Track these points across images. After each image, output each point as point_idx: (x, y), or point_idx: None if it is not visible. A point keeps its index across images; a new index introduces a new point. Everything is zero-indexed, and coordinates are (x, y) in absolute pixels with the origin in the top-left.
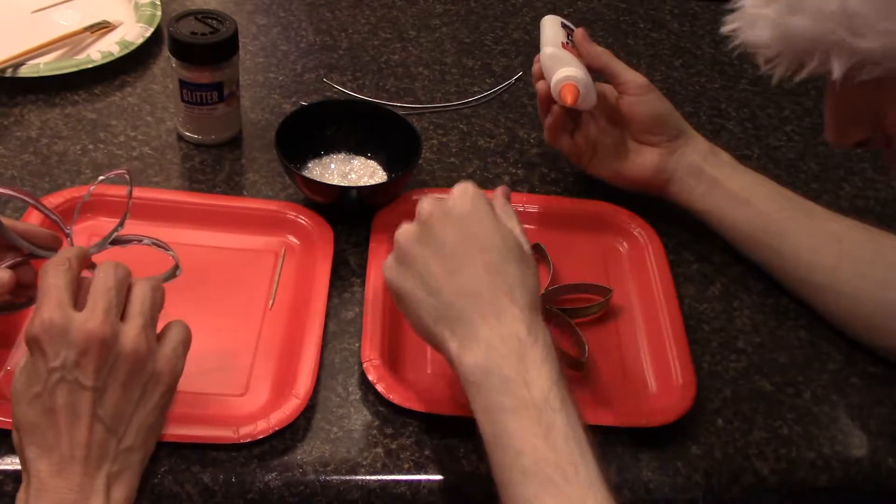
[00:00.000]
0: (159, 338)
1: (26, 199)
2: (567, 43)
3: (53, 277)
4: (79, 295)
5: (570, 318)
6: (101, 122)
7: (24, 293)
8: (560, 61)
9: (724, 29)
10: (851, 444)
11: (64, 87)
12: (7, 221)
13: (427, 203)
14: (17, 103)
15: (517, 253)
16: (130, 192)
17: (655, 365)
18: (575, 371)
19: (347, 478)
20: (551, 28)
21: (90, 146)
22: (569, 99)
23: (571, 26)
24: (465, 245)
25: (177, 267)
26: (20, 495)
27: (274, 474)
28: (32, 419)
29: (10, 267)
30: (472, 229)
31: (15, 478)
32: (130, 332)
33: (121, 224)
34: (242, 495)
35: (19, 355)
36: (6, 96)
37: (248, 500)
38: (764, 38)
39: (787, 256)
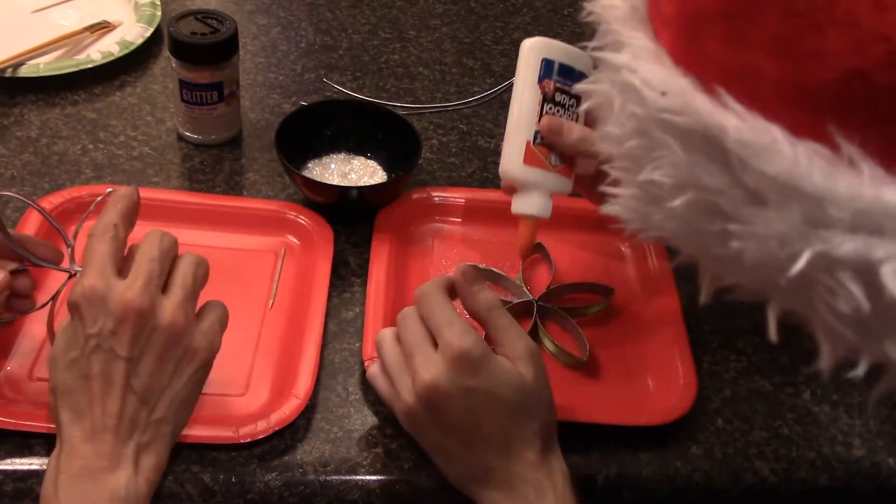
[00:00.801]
0: (198, 314)
1: (27, 200)
2: (540, 114)
3: (99, 243)
4: (123, 262)
5: (572, 317)
6: (101, 122)
7: (15, 304)
8: (523, 182)
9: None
10: (851, 444)
11: (64, 87)
12: (11, 232)
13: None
14: (17, 103)
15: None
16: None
17: (656, 365)
18: (576, 370)
19: (347, 478)
20: (529, 96)
21: (90, 146)
22: (525, 239)
23: (560, 74)
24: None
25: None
26: (52, 459)
27: (274, 474)
28: (69, 383)
29: (9, 273)
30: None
31: (15, 478)
32: (169, 305)
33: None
34: (242, 495)
35: (16, 360)
36: (6, 96)
37: (248, 500)
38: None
39: None
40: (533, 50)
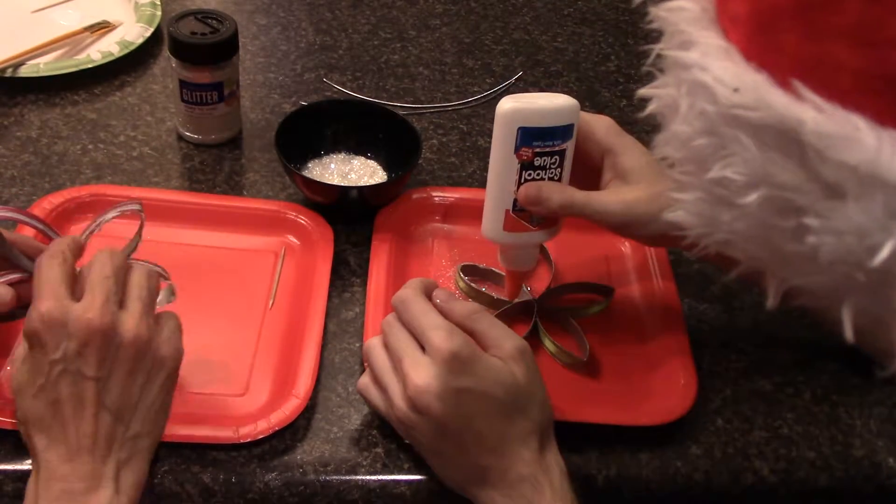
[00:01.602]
0: (156, 324)
1: (20, 217)
2: (518, 182)
3: (48, 269)
4: (75, 285)
5: (572, 317)
6: (101, 122)
7: (20, 313)
8: (505, 245)
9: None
10: (851, 444)
11: (64, 87)
12: (9, 236)
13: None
14: (17, 103)
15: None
16: (142, 227)
17: (656, 365)
18: (576, 370)
19: (347, 478)
20: (505, 166)
21: (90, 146)
22: (514, 287)
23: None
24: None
25: (171, 293)
26: (30, 485)
27: (274, 474)
28: (38, 411)
29: (12, 284)
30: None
31: (15, 477)
32: (130, 320)
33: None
34: (242, 495)
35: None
36: (6, 96)
37: (248, 500)
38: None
39: None
40: (508, 119)
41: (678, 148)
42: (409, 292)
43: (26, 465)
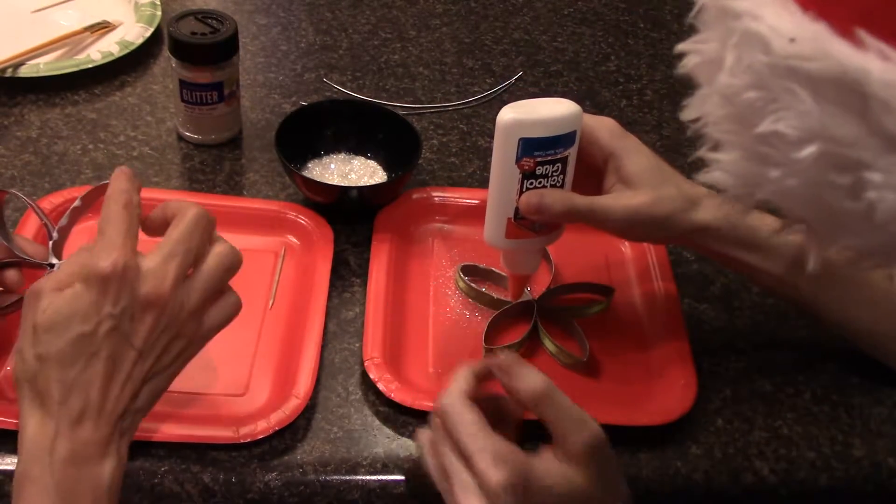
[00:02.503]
0: (209, 306)
1: (31, 203)
2: (520, 191)
3: (128, 219)
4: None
5: (572, 317)
6: (101, 122)
7: (5, 299)
8: (507, 251)
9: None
10: (851, 444)
11: (64, 87)
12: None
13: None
14: (17, 103)
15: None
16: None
17: (656, 365)
18: (576, 370)
19: (347, 478)
20: (507, 176)
21: (90, 146)
22: (517, 289)
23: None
24: None
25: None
26: (34, 437)
27: (274, 474)
28: (70, 357)
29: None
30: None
31: None
32: (188, 307)
33: None
34: (242, 495)
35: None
36: (6, 96)
37: (248, 500)
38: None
39: None
40: (508, 130)
41: (719, 105)
42: (454, 399)
43: None
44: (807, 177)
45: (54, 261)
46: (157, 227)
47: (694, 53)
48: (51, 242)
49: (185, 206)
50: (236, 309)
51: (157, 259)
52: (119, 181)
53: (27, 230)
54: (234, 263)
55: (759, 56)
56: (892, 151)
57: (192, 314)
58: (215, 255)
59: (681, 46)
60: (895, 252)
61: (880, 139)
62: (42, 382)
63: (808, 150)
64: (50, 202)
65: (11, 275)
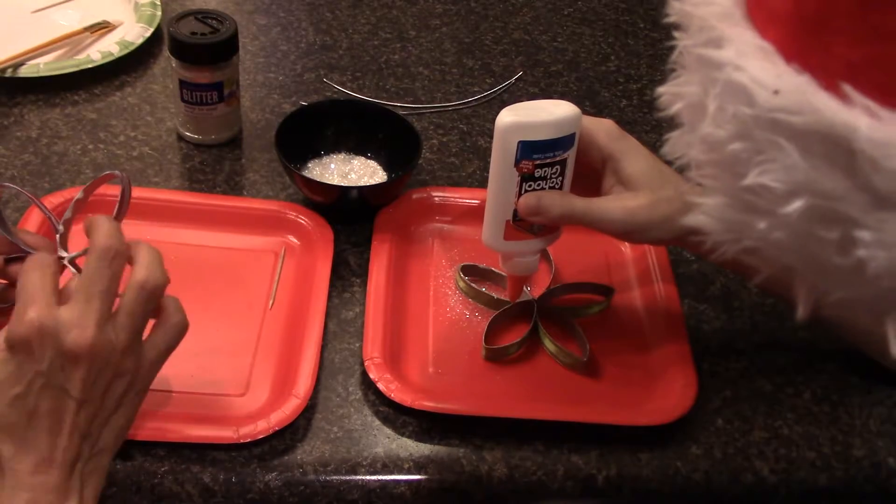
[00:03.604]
0: (147, 338)
1: (33, 199)
2: (519, 194)
3: (40, 277)
4: (61, 289)
5: (572, 317)
6: (101, 122)
7: (12, 293)
8: (506, 253)
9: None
10: (851, 444)
11: (64, 87)
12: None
13: None
14: (17, 103)
15: None
16: (126, 196)
17: (656, 365)
18: (576, 370)
19: (347, 478)
20: (505, 179)
21: (90, 146)
22: (515, 290)
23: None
24: None
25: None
26: None
27: (274, 474)
28: (11, 419)
29: (10, 260)
30: None
31: None
32: (118, 346)
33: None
34: (242, 495)
35: None
36: (6, 96)
37: (248, 500)
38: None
39: None
40: (507, 132)
41: (704, 151)
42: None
43: None
44: (794, 230)
45: (64, 253)
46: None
47: (675, 97)
48: (58, 236)
49: (94, 232)
50: (179, 331)
51: (75, 307)
52: (38, 254)
53: (29, 228)
54: (155, 287)
55: (743, 108)
56: (881, 208)
57: (126, 351)
58: (132, 285)
59: (661, 89)
60: (886, 304)
61: (869, 195)
62: None
63: (795, 205)
64: (50, 202)
65: (17, 269)
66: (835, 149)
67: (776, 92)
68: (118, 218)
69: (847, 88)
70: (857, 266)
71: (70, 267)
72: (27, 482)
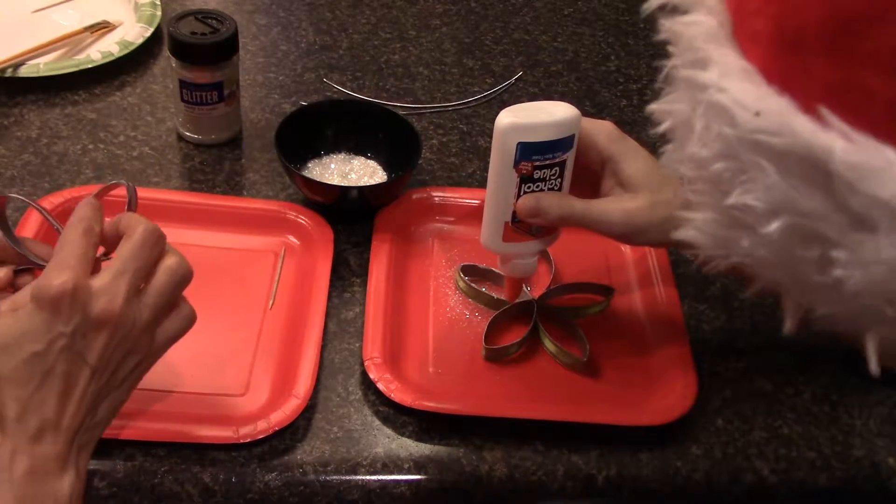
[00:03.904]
0: (162, 318)
1: (33, 204)
2: (517, 195)
3: (83, 242)
4: (98, 249)
5: (572, 317)
6: (101, 122)
7: None
8: (505, 254)
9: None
10: (851, 444)
11: (64, 87)
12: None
13: None
14: (17, 103)
15: None
16: (131, 204)
17: (656, 365)
18: (576, 370)
19: (347, 478)
20: (504, 180)
21: (90, 146)
22: (513, 291)
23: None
24: None
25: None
26: None
27: (274, 474)
28: (23, 375)
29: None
30: None
31: None
32: (140, 322)
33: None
34: (242, 495)
35: None
36: (6, 96)
37: (248, 500)
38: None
39: None
40: (506, 134)
41: (692, 168)
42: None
43: None
44: (777, 248)
45: None
46: (111, 242)
47: (665, 114)
48: None
49: (135, 221)
50: (190, 321)
51: (107, 277)
52: (83, 209)
53: (27, 231)
54: (184, 276)
55: (726, 129)
56: (857, 229)
57: (144, 329)
58: (165, 268)
59: (652, 107)
60: (867, 320)
61: (846, 216)
62: None
63: (776, 224)
64: (50, 202)
65: (26, 279)
66: (813, 170)
67: (757, 113)
68: None
69: (825, 111)
70: (837, 284)
71: None
72: (27, 448)
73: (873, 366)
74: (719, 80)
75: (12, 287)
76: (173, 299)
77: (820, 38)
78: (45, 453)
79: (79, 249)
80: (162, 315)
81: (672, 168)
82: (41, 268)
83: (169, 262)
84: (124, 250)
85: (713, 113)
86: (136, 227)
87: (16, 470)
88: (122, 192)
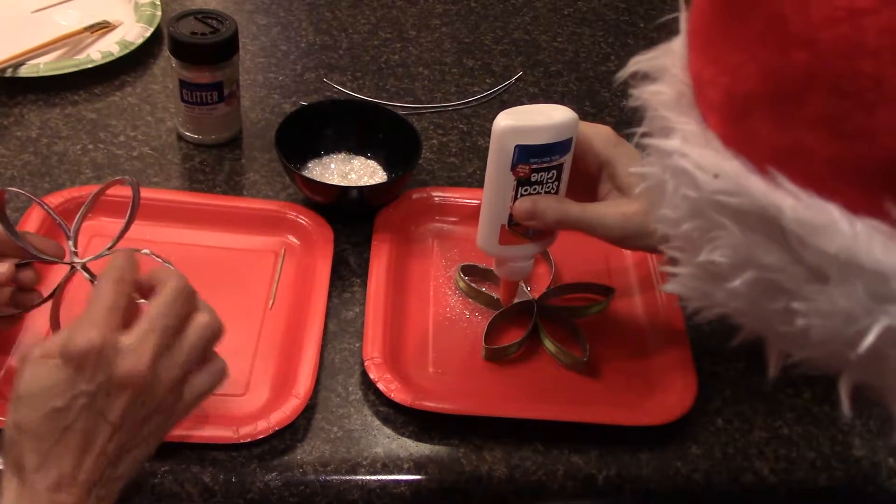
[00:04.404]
0: (193, 373)
1: (35, 199)
2: (514, 198)
3: (114, 295)
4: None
5: (572, 317)
6: (101, 122)
7: (21, 299)
8: (500, 257)
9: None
10: (851, 444)
11: (64, 87)
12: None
13: None
14: (17, 103)
15: None
16: (136, 202)
17: (656, 365)
18: (576, 370)
19: (347, 478)
20: (501, 183)
21: (90, 146)
22: (508, 294)
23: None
24: None
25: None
26: (7, 495)
27: (274, 474)
28: (43, 430)
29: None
30: None
31: None
32: (167, 382)
33: (121, 235)
34: (242, 495)
35: (17, 359)
36: (6, 96)
37: (248, 500)
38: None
39: None
40: (504, 136)
41: (669, 227)
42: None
43: None
44: (747, 300)
45: (76, 260)
46: (146, 292)
47: (641, 178)
48: (70, 242)
49: (167, 276)
50: (220, 377)
51: (135, 336)
52: (117, 259)
53: (29, 228)
54: (215, 334)
55: (689, 191)
56: (813, 281)
57: (171, 389)
58: (196, 326)
59: (632, 169)
60: (839, 364)
61: (802, 268)
62: (18, 452)
63: (742, 278)
64: (50, 202)
65: (28, 274)
66: (769, 227)
67: (716, 176)
68: (129, 222)
69: (774, 172)
70: (803, 333)
71: (83, 272)
72: (44, 497)
73: (845, 408)
74: (681, 147)
75: (15, 282)
76: (202, 356)
77: (763, 105)
78: (60, 503)
79: (109, 302)
80: (188, 372)
81: (653, 226)
82: (42, 261)
83: (200, 320)
84: (153, 308)
85: (678, 177)
86: (167, 283)
87: None
88: (125, 191)
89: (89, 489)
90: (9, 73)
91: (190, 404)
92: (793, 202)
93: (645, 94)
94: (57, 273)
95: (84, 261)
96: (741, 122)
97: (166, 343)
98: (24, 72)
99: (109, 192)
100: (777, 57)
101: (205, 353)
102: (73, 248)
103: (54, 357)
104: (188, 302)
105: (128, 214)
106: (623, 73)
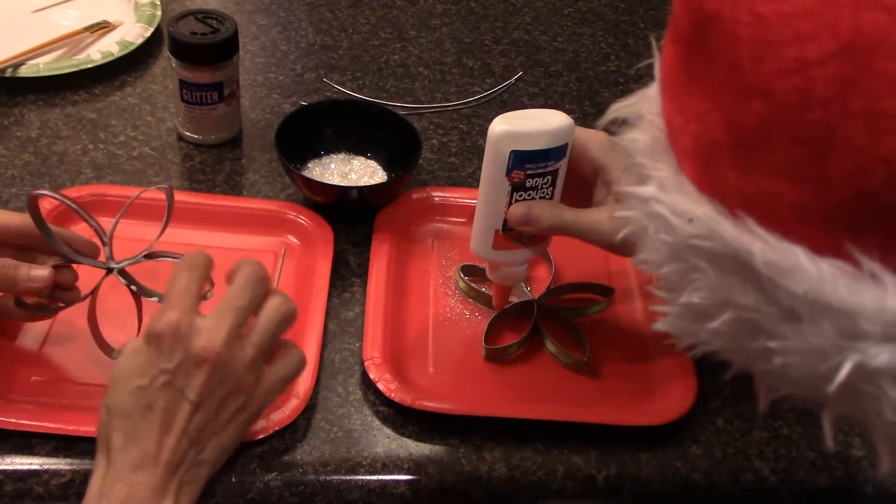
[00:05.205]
0: (270, 362)
1: (69, 203)
2: (509, 203)
3: (188, 280)
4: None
5: (572, 317)
6: (101, 122)
7: (60, 296)
8: (494, 262)
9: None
10: (851, 444)
11: (64, 87)
12: (53, 228)
13: None
14: (17, 103)
15: None
16: (170, 208)
17: (656, 365)
18: (576, 370)
19: (347, 478)
20: (496, 188)
21: (90, 146)
22: (501, 298)
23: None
24: None
25: (208, 290)
26: (95, 479)
27: (274, 474)
28: (128, 408)
29: (53, 268)
30: None
31: (15, 478)
32: (244, 360)
33: (156, 238)
34: (242, 495)
35: (18, 360)
36: (6, 96)
37: (247, 500)
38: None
39: None
40: (500, 142)
41: (651, 270)
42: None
43: (26, 466)
44: (728, 339)
45: (113, 264)
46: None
47: (623, 223)
48: (105, 248)
49: (243, 262)
50: (300, 365)
51: (211, 317)
52: (194, 254)
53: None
54: (288, 314)
55: (666, 236)
56: (788, 320)
57: (248, 368)
58: (270, 307)
59: (616, 213)
60: (820, 398)
61: (777, 308)
62: (106, 431)
63: (721, 318)
64: (50, 202)
65: (67, 274)
66: (743, 269)
67: (690, 220)
68: (164, 227)
69: (743, 216)
70: (782, 370)
71: (119, 277)
72: (128, 476)
73: (829, 441)
74: (657, 193)
75: (57, 286)
76: (276, 337)
77: (728, 153)
78: (142, 483)
79: (183, 286)
80: (266, 353)
81: (641, 268)
82: (78, 263)
83: (273, 302)
84: (228, 292)
85: (655, 221)
86: (242, 268)
87: (114, 496)
88: (130, 191)
89: (172, 470)
90: (9, 73)
91: (270, 389)
92: (761, 245)
93: (623, 141)
94: (89, 268)
95: (121, 264)
96: (710, 168)
97: (241, 323)
98: (24, 72)
99: (116, 193)
100: (737, 107)
101: (277, 334)
102: (108, 253)
103: (139, 339)
104: (260, 284)
105: (164, 220)
106: (602, 121)
